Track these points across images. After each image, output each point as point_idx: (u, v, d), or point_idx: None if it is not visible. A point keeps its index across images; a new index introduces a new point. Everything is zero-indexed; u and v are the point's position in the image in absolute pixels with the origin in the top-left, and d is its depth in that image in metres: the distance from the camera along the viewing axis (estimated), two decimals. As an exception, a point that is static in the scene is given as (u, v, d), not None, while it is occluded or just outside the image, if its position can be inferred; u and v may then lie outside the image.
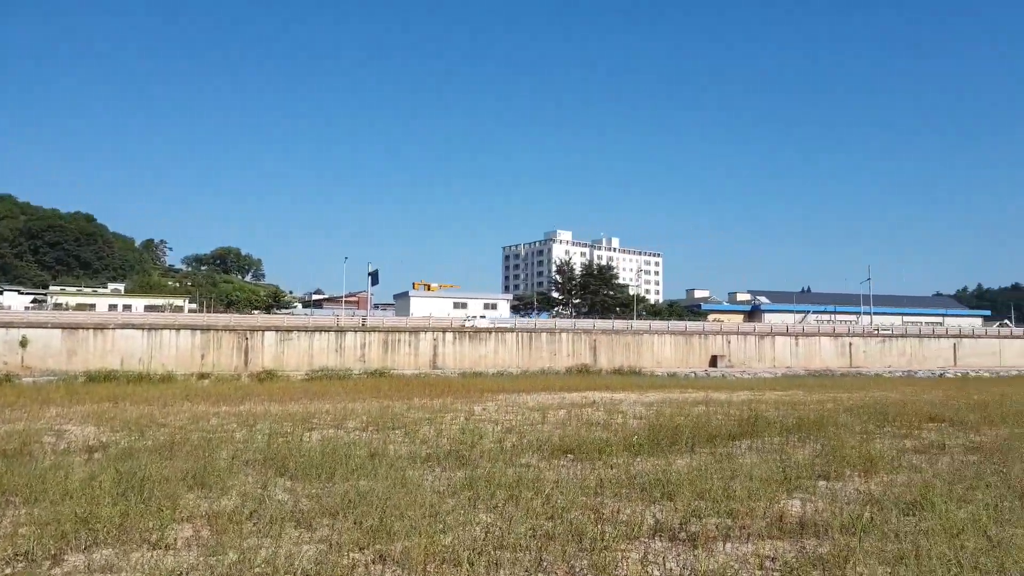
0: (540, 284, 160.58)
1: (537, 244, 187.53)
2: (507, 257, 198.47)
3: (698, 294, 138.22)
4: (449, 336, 60.22)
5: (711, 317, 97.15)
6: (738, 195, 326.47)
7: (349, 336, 57.57)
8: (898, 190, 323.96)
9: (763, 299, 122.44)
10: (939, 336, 78.31)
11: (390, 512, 7.31)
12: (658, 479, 8.90)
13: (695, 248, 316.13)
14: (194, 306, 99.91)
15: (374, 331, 58.84)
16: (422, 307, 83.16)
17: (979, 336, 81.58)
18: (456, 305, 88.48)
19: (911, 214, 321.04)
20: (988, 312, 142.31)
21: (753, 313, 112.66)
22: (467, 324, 64.21)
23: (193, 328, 54.84)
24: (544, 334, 63.29)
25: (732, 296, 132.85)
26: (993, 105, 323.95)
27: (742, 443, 12.88)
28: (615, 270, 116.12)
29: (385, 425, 15.65)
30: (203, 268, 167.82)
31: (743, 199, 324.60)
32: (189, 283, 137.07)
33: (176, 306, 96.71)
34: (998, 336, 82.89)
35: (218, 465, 10.03)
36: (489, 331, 62.03)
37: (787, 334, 71.39)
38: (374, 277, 72.34)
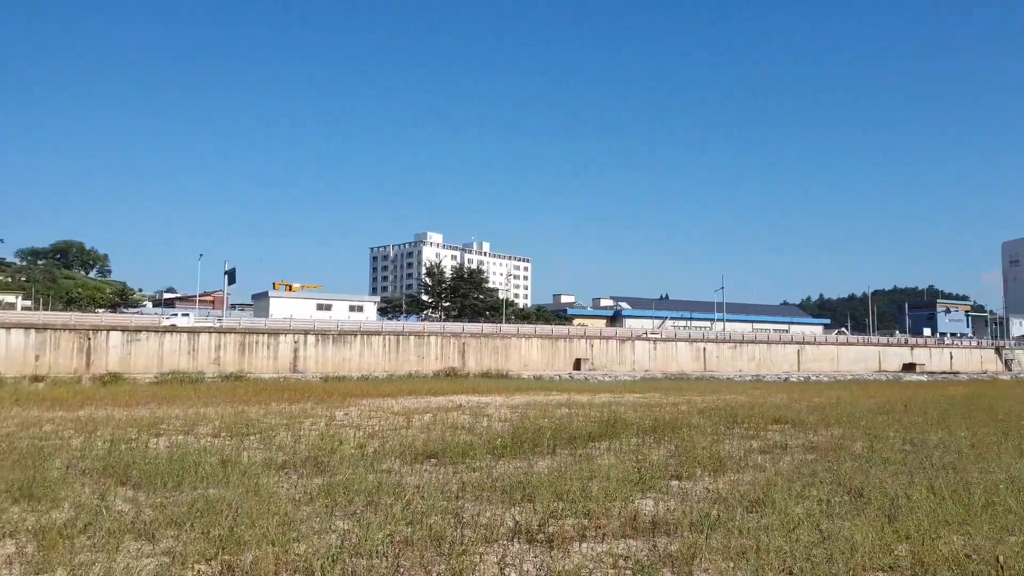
0: (409, 287, 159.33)
1: (407, 246, 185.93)
2: (375, 259, 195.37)
3: (564, 299, 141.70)
4: (311, 338, 58.46)
5: (576, 322, 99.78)
6: (603, 204, 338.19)
7: (203, 337, 54.63)
8: (751, 205, 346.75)
9: (625, 305, 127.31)
10: (785, 343, 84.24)
11: (241, 521, 6.94)
12: (519, 481, 8.96)
13: (563, 254, 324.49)
14: (28, 303, 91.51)
15: (230, 332, 56.16)
16: (283, 308, 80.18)
17: (820, 343, 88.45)
18: (320, 307, 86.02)
19: (762, 227, 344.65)
20: (828, 320, 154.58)
21: (615, 318, 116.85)
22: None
23: (27, 327, 50.25)
24: (412, 337, 62.73)
25: (596, 302, 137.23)
26: (838, 130, 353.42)
27: (601, 444, 13.23)
28: (485, 274, 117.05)
29: (239, 431, 14.91)
30: (40, 262, 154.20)
31: (608, 208, 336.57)
32: (23, 278, 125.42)
33: (7, 303, 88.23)
34: (836, 343, 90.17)
35: (50, 475, 9.18)
36: (354, 333, 60.73)
37: (646, 339, 74.50)
38: (231, 276, 69.20)
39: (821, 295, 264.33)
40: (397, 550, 6.25)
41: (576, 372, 62.42)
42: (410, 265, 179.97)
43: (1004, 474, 9.98)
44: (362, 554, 6.12)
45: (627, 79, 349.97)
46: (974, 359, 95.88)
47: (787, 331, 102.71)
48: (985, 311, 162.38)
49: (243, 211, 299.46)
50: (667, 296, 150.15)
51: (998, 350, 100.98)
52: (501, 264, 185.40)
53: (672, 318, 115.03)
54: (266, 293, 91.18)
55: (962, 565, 5.71)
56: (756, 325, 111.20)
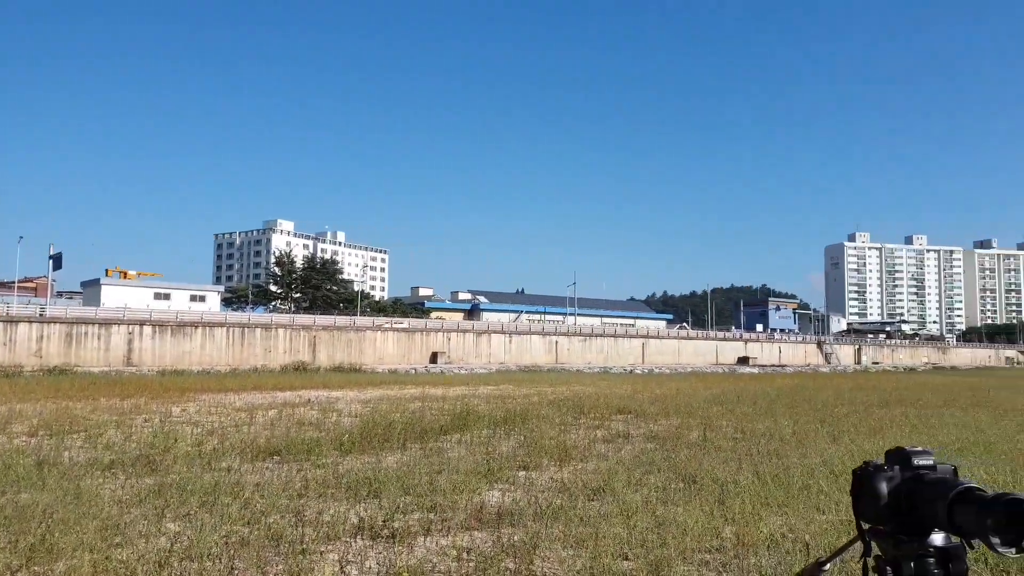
0: (257, 276, 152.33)
1: (255, 233, 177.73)
2: (220, 246, 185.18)
3: (422, 292, 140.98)
4: (148, 330, 54.68)
5: (434, 315, 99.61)
6: (462, 198, 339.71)
7: (22, 327, 49.70)
8: (602, 205, 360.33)
9: (482, 299, 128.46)
10: (631, 337, 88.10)
11: (56, 527, 6.33)
12: (366, 477, 8.78)
13: (422, 247, 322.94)
14: None
15: (55, 322, 51.45)
16: (116, 297, 74.34)
17: (663, 337, 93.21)
18: (158, 296, 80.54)
19: (612, 227, 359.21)
20: (671, 316, 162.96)
21: (473, 312, 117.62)
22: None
23: None
24: (259, 329, 60.16)
25: (454, 295, 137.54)
26: (684, 136, 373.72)
27: (453, 437, 13.25)
28: (340, 265, 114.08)
29: (61, 429, 13.67)
30: None
31: (467, 203, 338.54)
32: None
33: None
34: (678, 337, 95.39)
35: None
36: (196, 325, 57.40)
37: (502, 332, 75.60)
38: (57, 261, 63.44)
39: (665, 292, 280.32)
40: (232, 551, 5.93)
41: (433, 365, 62.31)
42: (258, 254, 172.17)
43: (819, 459, 10.89)
44: (193, 557, 5.75)
45: (481, 72, 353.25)
46: (800, 353, 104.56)
47: (633, 326, 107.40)
48: (810, 309, 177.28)
49: (72, 192, 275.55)
50: (523, 290, 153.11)
51: (820, 344, 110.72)
52: (357, 255, 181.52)
53: (527, 312, 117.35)
54: (97, 280, 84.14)
55: (778, 544, 6.16)
56: (605, 319, 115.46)
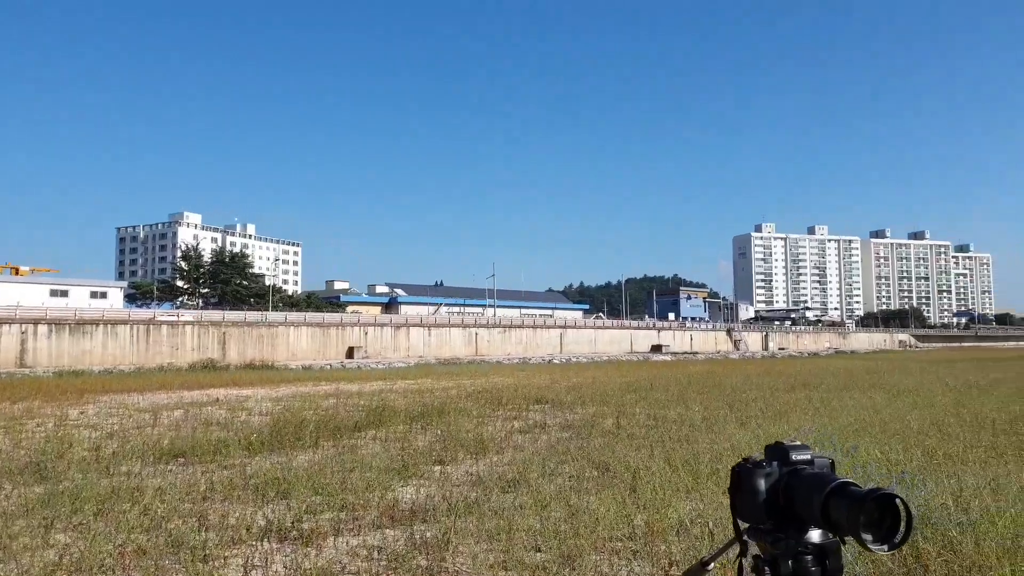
0: (163, 271, 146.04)
1: (160, 226, 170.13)
2: (123, 240, 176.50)
3: (338, 285, 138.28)
4: (43, 328, 51.69)
5: (350, 309, 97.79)
6: (378, 190, 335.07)
7: (-101, 327, 46.20)
8: (520, 197, 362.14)
9: (401, 292, 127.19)
10: (549, 327, 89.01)
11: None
12: (275, 477, 8.50)
13: (336, 240, 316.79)
14: None
15: (-61, 322, 48.04)
16: (7, 294, 69.94)
17: (580, 327, 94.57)
18: (54, 293, 76.30)
19: (530, 218, 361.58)
20: (588, 306, 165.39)
21: (390, 305, 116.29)
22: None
23: None
24: (164, 327, 57.76)
25: (371, 288, 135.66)
26: (598, 128, 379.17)
27: (368, 434, 13.02)
28: (250, 258, 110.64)
29: (-61, 437, 12.72)
30: None
31: (384, 194, 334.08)
32: None
33: None
34: (594, 327, 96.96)
35: None
36: (96, 323, 54.60)
37: (421, 325, 75.06)
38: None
39: (582, 283, 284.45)
40: (128, 561, 5.61)
41: (349, 361, 61.26)
42: (164, 248, 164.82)
43: (728, 443, 11.22)
44: (83, 570, 5.42)
45: (391, 61, 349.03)
46: (710, 340, 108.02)
47: (551, 316, 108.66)
48: (719, 297, 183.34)
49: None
50: (442, 283, 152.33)
51: (729, 332, 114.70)
52: (268, 248, 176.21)
53: (447, 304, 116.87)
54: (-15, 277, 79.01)
55: (687, 529, 6.29)
56: (524, 311, 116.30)
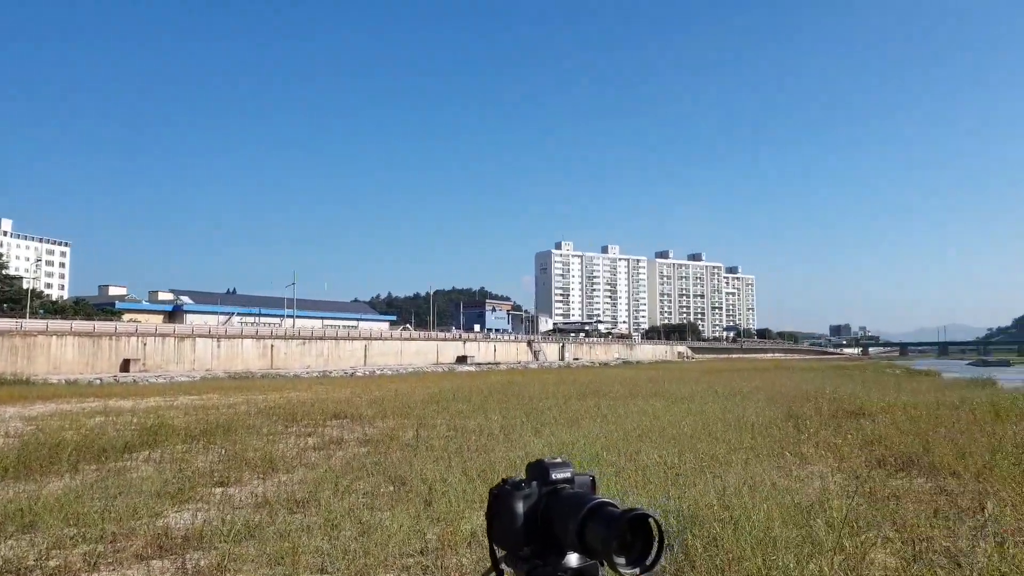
0: None
1: None
2: None
3: (113, 291, 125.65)
4: None
5: (127, 317, 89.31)
6: (164, 186, 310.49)
7: None
8: (324, 203, 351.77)
9: (187, 299, 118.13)
10: (353, 339, 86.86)
11: None
12: (19, 508, 7.43)
13: (112, 240, 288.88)
14: None
15: None
16: None
17: (386, 339, 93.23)
18: None
19: (336, 227, 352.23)
20: (395, 317, 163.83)
21: (175, 313, 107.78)
22: None
23: None
24: None
25: (153, 295, 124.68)
26: (409, 139, 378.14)
27: (140, 455, 11.85)
28: (5, 258, 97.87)
29: None
30: None
31: (169, 191, 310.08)
32: None
33: None
34: (400, 338, 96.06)
35: None
36: None
37: (209, 336, 70.23)
38: None
39: (390, 293, 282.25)
40: None
41: (124, 374, 55.81)
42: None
43: (523, 451, 11.47)
44: None
45: (202, 56, 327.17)
46: (512, 351, 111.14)
47: (356, 327, 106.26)
48: (522, 310, 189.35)
49: None
50: (235, 290, 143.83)
51: (530, 343, 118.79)
52: (28, 247, 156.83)
53: (240, 313, 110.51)
54: None
55: (480, 541, 6.29)
56: (326, 321, 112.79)
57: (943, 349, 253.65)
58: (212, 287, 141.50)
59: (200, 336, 69.23)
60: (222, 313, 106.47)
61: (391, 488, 8.86)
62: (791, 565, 5.27)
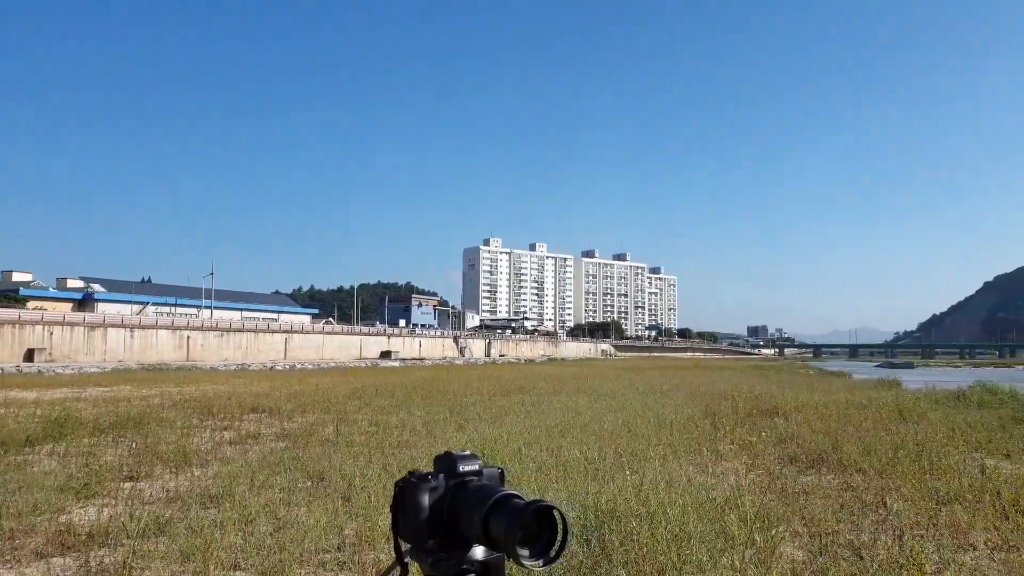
0: None
1: None
2: None
3: (18, 277, 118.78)
4: None
5: (31, 304, 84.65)
6: (74, 167, 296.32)
7: None
8: (245, 192, 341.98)
9: (99, 287, 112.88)
10: (273, 332, 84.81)
11: None
12: (-96, 507, 6.98)
13: (16, 224, 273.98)
14: None
15: None
16: None
17: (307, 332, 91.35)
18: None
19: (257, 218, 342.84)
20: (317, 310, 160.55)
21: (85, 302, 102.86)
22: None
23: None
24: None
25: (62, 282, 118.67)
26: (334, 132, 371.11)
27: (43, 448, 11.29)
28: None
29: None
30: None
31: (80, 173, 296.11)
32: None
33: None
34: (323, 332, 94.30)
35: None
36: None
37: (122, 326, 67.48)
38: None
39: (312, 286, 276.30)
40: None
41: (28, 365, 53.07)
42: None
43: (445, 447, 11.39)
44: None
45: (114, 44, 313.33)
46: (438, 347, 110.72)
47: (277, 320, 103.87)
48: (449, 306, 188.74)
49: None
50: (150, 279, 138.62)
51: (456, 339, 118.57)
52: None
53: (156, 303, 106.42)
54: None
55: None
56: (246, 313, 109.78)
57: (854, 351, 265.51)
58: (126, 276, 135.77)
59: (112, 326, 66.43)
60: (136, 303, 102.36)
61: (309, 483, 8.71)
62: (704, 559, 5.42)
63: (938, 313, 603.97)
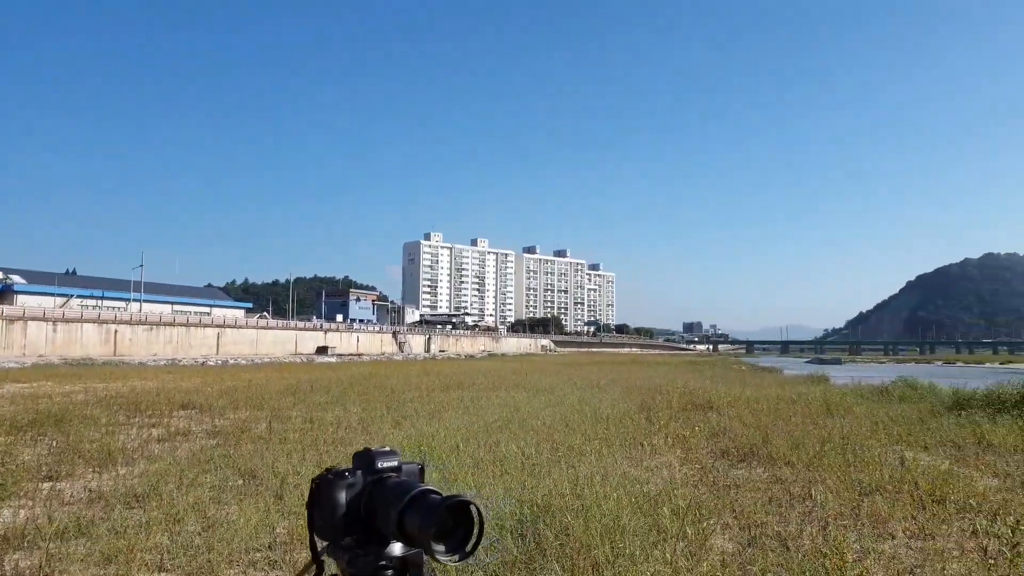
0: None
1: None
2: None
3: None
4: None
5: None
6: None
7: None
8: (175, 182, 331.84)
9: (18, 279, 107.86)
10: (205, 326, 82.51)
11: None
12: None
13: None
14: None
15: None
16: None
17: (241, 327, 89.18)
18: None
19: (189, 210, 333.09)
20: (251, 304, 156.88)
21: (4, 294, 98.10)
22: None
23: None
24: None
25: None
26: (269, 123, 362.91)
27: (-45, 448, 10.74)
28: None
29: None
30: None
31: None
32: None
33: None
34: (256, 327, 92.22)
35: None
36: None
37: (43, 319, 64.67)
38: None
39: (247, 279, 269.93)
40: None
41: (-58, 358, 50.48)
42: None
43: (381, 443, 11.32)
44: None
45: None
46: (376, 342, 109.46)
47: (209, 314, 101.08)
48: (388, 300, 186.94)
49: None
50: (75, 271, 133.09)
51: (395, 334, 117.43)
52: None
53: (81, 296, 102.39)
54: None
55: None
56: (177, 307, 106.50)
57: (785, 348, 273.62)
58: (48, 267, 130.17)
59: (33, 319, 63.60)
60: (60, 295, 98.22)
61: (240, 481, 8.51)
62: (637, 552, 5.51)
63: (864, 311, 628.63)
